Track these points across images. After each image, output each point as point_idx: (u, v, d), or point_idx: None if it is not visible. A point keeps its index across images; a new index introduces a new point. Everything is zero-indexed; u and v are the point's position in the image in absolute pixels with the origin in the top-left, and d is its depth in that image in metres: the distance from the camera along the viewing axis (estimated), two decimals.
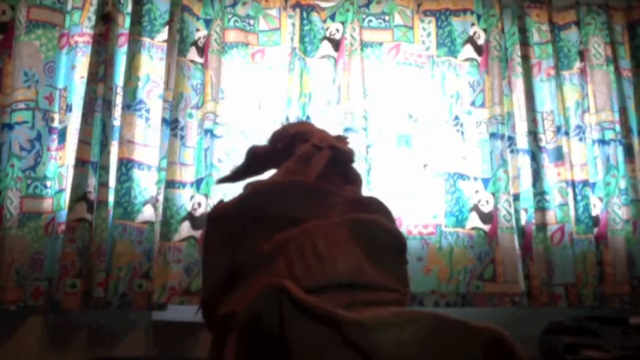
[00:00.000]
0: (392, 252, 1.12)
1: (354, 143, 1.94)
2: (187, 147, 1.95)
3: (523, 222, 1.97)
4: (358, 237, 1.05)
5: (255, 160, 1.33)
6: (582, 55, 2.15)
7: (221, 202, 1.17)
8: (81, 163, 1.80)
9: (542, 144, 2.06)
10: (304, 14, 2.09)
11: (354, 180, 1.22)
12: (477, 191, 2.00)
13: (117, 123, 1.91)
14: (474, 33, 2.13)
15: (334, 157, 1.17)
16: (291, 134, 1.26)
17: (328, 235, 1.03)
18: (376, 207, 1.16)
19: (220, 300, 1.04)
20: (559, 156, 2.04)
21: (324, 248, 1.00)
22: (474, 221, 1.97)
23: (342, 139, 1.27)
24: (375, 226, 1.10)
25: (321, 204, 1.09)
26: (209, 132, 1.91)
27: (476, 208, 1.98)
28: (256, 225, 1.06)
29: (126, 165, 1.87)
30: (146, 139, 1.93)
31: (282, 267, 0.99)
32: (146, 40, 1.99)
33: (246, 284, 1.01)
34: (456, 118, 2.06)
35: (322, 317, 0.85)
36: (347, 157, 1.21)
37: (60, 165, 1.88)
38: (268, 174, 1.26)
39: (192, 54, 2.02)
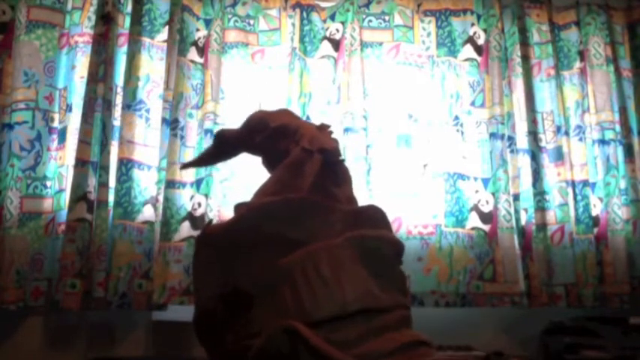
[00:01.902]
0: (394, 263, 1.10)
1: (354, 143, 1.95)
2: (187, 147, 1.95)
3: (523, 222, 1.97)
4: (363, 256, 1.02)
5: (224, 144, 1.28)
6: (582, 55, 2.15)
7: (210, 223, 1.14)
8: (81, 163, 1.80)
9: (542, 144, 2.06)
10: (304, 14, 2.09)
11: (344, 178, 1.19)
12: (476, 191, 2.00)
13: (117, 123, 1.90)
14: (474, 33, 2.12)
15: (324, 160, 1.13)
16: (271, 129, 1.20)
17: (332, 259, 1.00)
18: (376, 218, 1.13)
19: (220, 327, 1.01)
20: (559, 156, 2.04)
21: (330, 274, 0.97)
22: (473, 221, 1.97)
23: (324, 129, 1.22)
24: (379, 242, 1.07)
25: (320, 222, 1.06)
26: (209, 132, 1.91)
27: (476, 208, 1.98)
28: (252, 249, 1.02)
29: (126, 165, 1.87)
30: (146, 139, 1.93)
31: (288, 298, 0.96)
32: (146, 40, 1.99)
33: (252, 316, 0.98)
34: (456, 118, 2.06)
35: None
36: (336, 156, 1.18)
37: (60, 165, 1.88)
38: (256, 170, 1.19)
39: (192, 54, 2.02)
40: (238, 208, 1.13)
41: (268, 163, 1.26)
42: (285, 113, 1.28)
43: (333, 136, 1.23)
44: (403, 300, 1.06)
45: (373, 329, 0.95)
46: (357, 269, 1.01)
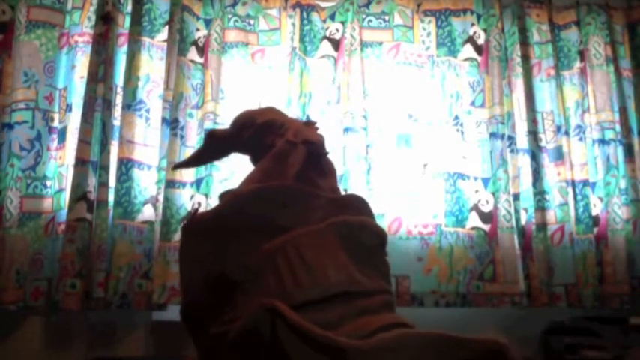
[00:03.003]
0: (377, 250, 1.11)
1: (354, 143, 1.95)
2: (187, 147, 1.95)
3: (523, 222, 1.97)
4: (345, 242, 1.04)
5: (214, 144, 1.30)
6: (582, 55, 2.15)
7: (196, 211, 1.15)
8: (81, 163, 1.80)
9: (542, 144, 2.06)
10: (304, 14, 2.09)
11: (328, 171, 1.20)
12: (476, 191, 2.00)
13: (117, 123, 1.90)
14: (474, 33, 2.12)
15: (309, 152, 1.15)
16: (258, 125, 1.22)
17: (315, 244, 1.01)
18: (358, 206, 1.14)
19: (207, 313, 1.02)
20: (559, 156, 2.04)
21: (313, 259, 0.99)
22: (473, 221, 1.97)
23: (310, 125, 1.24)
24: (361, 229, 1.08)
25: (303, 208, 1.07)
26: None
27: (476, 208, 1.98)
28: (239, 235, 1.04)
29: (126, 165, 1.87)
30: (146, 139, 1.93)
31: (271, 282, 0.97)
32: (146, 40, 1.99)
33: (236, 301, 0.99)
34: (456, 118, 2.06)
35: (324, 345, 0.84)
36: (320, 150, 1.19)
37: (60, 165, 1.88)
38: (245, 165, 1.19)
39: (192, 54, 2.02)
40: (224, 196, 1.14)
41: (256, 161, 1.27)
42: (271, 110, 1.29)
43: (319, 132, 1.25)
44: (385, 285, 1.07)
45: (354, 311, 0.96)
46: (339, 254, 1.02)
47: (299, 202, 1.08)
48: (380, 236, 1.12)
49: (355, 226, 1.07)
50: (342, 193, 1.25)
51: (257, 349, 0.87)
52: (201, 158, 1.37)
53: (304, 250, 1.00)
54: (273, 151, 1.16)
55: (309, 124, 1.25)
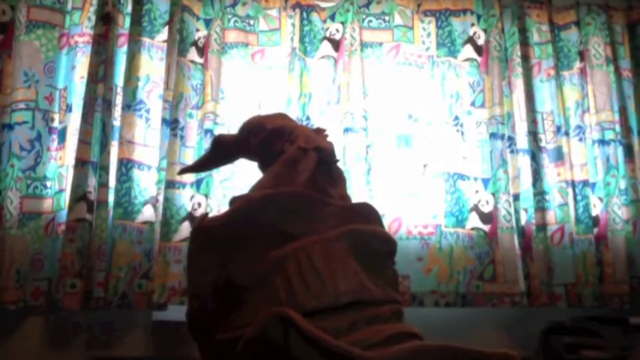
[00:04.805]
0: (386, 259, 1.11)
1: (354, 143, 1.95)
2: (187, 147, 1.95)
3: (523, 222, 1.97)
4: (356, 250, 1.04)
5: (221, 150, 1.30)
6: (582, 55, 2.15)
7: (206, 215, 1.14)
8: (81, 163, 1.80)
9: (542, 144, 2.07)
10: (304, 14, 2.09)
11: (338, 178, 1.20)
12: (476, 191, 2.00)
13: (117, 123, 1.91)
14: (474, 33, 2.12)
15: (319, 159, 1.15)
16: (267, 131, 1.22)
17: (326, 252, 1.01)
18: (368, 214, 1.14)
19: (214, 320, 1.02)
20: (559, 156, 2.04)
21: (323, 266, 0.98)
22: (473, 221, 1.97)
23: (320, 132, 1.24)
24: (372, 237, 1.08)
25: (314, 215, 1.07)
26: (209, 132, 1.91)
27: (476, 208, 1.98)
28: (248, 241, 1.03)
29: (126, 165, 1.87)
30: (146, 139, 1.93)
31: (280, 289, 0.97)
32: (146, 40, 1.99)
33: (244, 308, 0.99)
34: (456, 118, 2.06)
35: (337, 355, 0.83)
36: (331, 157, 1.19)
37: (60, 165, 1.88)
38: (253, 171, 1.19)
39: (192, 54, 2.02)
40: (234, 200, 1.14)
41: (264, 167, 1.26)
42: (281, 116, 1.29)
43: (329, 139, 1.25)
44: (395, 295, 1.07)
45: (364, 319, 0.96)
46: (350, 262, 1.02)
47: (310, 209, 1.08)
48: (390, 244, 1.12)
49: (366, 235, 1.07)
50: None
51: (268, 357, 0.86)
52: (207, 163, 1.36)
53: (315, 258, 0.99)
54: (284, 156, 1.15)
55: (319, 131, 1.25)
